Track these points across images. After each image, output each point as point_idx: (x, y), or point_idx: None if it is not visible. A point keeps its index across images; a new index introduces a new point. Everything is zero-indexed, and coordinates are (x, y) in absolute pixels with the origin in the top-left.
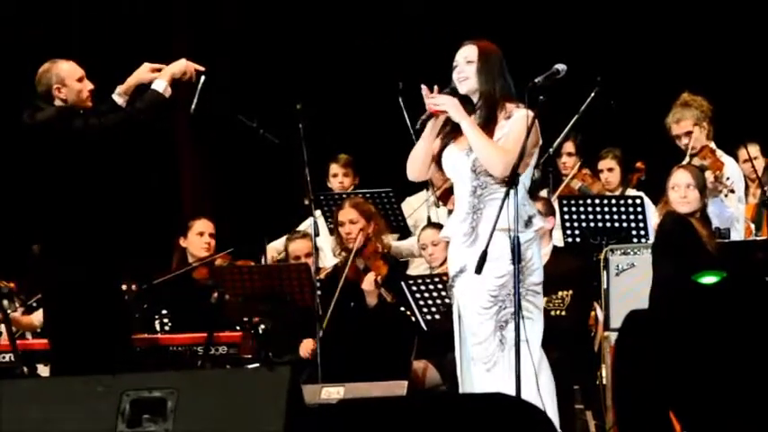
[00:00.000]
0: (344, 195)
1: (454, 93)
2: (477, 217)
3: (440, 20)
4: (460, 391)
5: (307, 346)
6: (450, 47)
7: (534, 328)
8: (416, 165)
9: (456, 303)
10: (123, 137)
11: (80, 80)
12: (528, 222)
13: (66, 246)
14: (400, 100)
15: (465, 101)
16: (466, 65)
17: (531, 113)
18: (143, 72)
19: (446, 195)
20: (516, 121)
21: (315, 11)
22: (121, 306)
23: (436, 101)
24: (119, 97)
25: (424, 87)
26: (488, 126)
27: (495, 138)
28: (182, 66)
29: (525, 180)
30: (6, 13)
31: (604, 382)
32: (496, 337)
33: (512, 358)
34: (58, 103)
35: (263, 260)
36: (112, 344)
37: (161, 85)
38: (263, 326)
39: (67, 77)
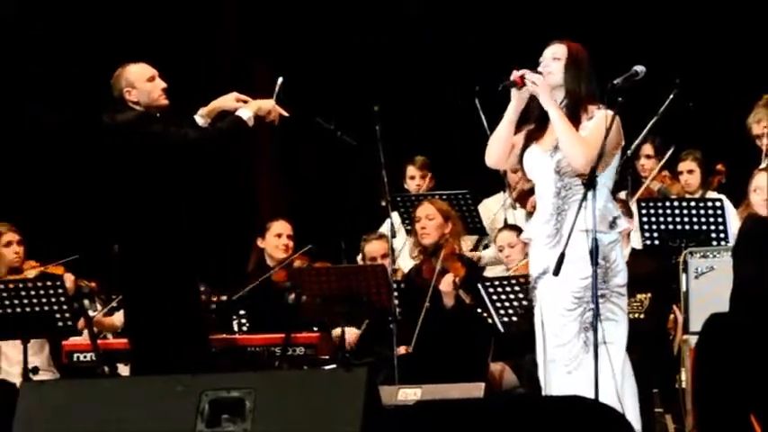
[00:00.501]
0: (421, 197)
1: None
2: (561, 218)
3: (440, 20)
4: (543, 393)
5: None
6: (451, 47)
7: (619, 331)
8: (496, 149)
9: (538, 305)
10: (201, 153)
11: (150, 80)
12: (612, 224)
13: (146, 246)
14: (477, 102)
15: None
16: (552, 61)
17: (610, 113)
18: (229, 100)
19: (523, 197)
20: (598, 119)
21: (392, 12)
22: (199, 307)
23: (532, 77)
24: (200, 119)
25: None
26: (575, 124)
27: None
28: (269, 105)
29: (608, 182)
30: (6, 13)
31: (684, 385)
32: (580, 338)
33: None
34: (131, 106)
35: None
36: (191, 344)
37: (246, 114)
38: (339, 326)
39: (136, 80)
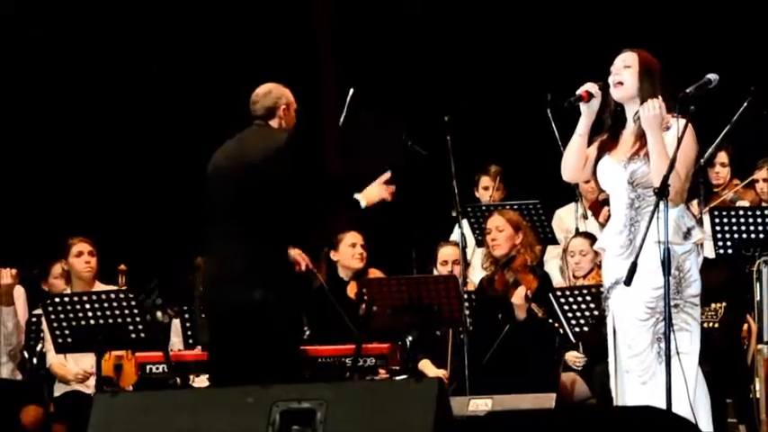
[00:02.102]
0: (492, 207)
1: (605, 89)
2: (634, 229)
3: (440, 20)
4: (615, 404)
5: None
6: (451, 47)
7: (692, 341)
8: (571, 163)
9: (611, 315)
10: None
11: (297, 110)
12: (687, 234)
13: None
14: (549, 111)
15: (615, 114)
16: (624, 69)
17: (682, 122)
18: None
19: (597, 208)
20: (684, 139)
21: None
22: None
23: (654, 103)
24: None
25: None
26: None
27: None
28: (376, 194)
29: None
30: (6, 13)
31: (758, 395)
32: (654, 349)
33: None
34: (274, 122)
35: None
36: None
37: (362, 202)
38: (410, 337)
39: (292, 104)
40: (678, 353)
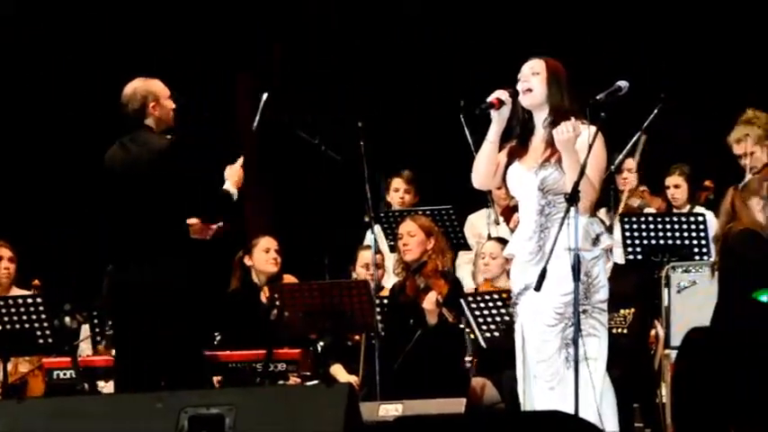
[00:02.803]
0: (404, 212)
1: (515, 96)
2: (543, 236)
3: (439, 20)
4: (522, 409)
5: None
6: (451, 47)
7: (600, 346)
8: (482, 170)
9: (519, 321)
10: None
11: (169, 98)
12: (595, 241)
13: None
14: (462, 117)
15: (523, 121)
16: (531, 76)
17: (593, 129)
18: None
19: (508, 213)
20: (595, 147)
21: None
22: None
23: (568, 126)
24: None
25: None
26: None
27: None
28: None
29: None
30: (6, 13)
31: (664, 400)
32: (562, 354)
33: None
34: (149, 121)
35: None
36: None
37: (232, 189)
38: (322, 343)
39: (161, 95)
40: (586, 358)
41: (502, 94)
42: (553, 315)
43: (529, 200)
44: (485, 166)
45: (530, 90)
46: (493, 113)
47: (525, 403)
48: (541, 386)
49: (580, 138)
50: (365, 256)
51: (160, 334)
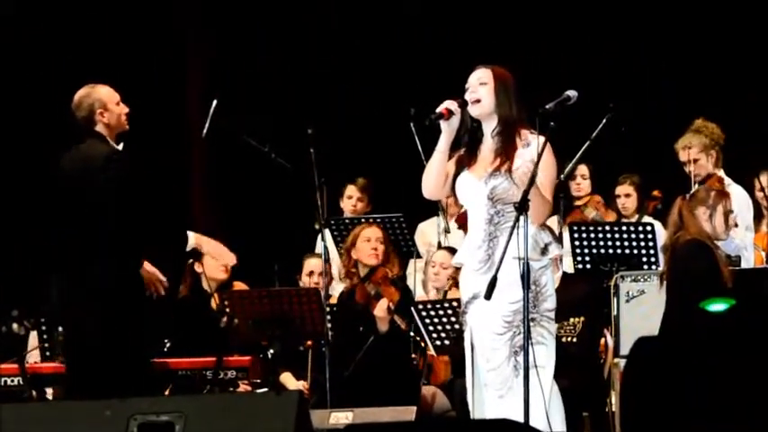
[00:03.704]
0: (356, 220)
1: (465, 106)
2: (493, 244)
3: (439, 20)
4: (472, 417)
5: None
6: (450, 47)
7: (548, 354)
8: (431, 180)
9: (468, 329)
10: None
11: (118, 104)
12: (544, 250)
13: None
14: (412, 126)
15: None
16: (479, 86)
17: (541, 139)
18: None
19: (463, 219)
20: (544, 157)
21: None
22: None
23: (452, 106)
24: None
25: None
26: (508, 152)
27: (514, 166)
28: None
29: None
30: (6, 13)
31: (614, 409)
32: (511, 362)
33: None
34: (99, 128)
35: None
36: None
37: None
38: (271, 350)
39: (109, 101)
40: (535, 366)
41: (451, 104)
42: (502, 323)
43: (478, 209)
44: (435, 177)
45: (478, 100)
46: (442, 124)
47: (475, 411)
48: (491, 394)
49: (528, 148)
50: (311, 264)
51: (108, 340)
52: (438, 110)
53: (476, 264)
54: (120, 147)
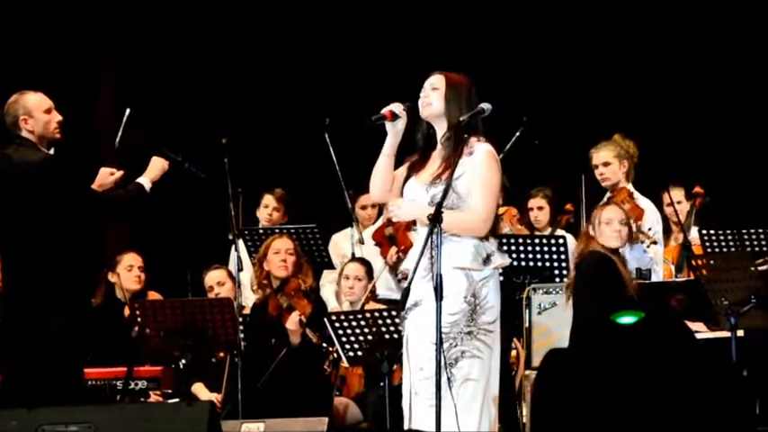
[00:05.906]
0: (269, 231)
1: (413, 111)
2: (435, 253)
3: (437, 21)
4: (405, 425)
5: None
6: (366, 56)
7: (483, 368)
8: (378, 182)
9: (406, 336)
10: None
11: (48, 111)
12: (486, 260)
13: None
14: (326, 136)
15: (427, 136)
16: (431, 91)
17: (490, 148)
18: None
19: (386, 243)
20: (483, 167)
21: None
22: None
23: (397, 211)
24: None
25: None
26: (451, 160)
27: (457, 174)
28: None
29: None
30: (6, 14)
31: (524, 420)
32: (444, 373)
33: (456, 395)
34: (24, 134)
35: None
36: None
37: (146, 183)
38: (183, 360)
39: (34, 108)
40: (468, 379)
41: (396, 107)
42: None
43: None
44: (380, 180)
45: (429, 104)
46: (387, 126)
47: (408, 419)
48: (422, 403)
49: (471, 156)
50: (211, 278)
51: (42, 348)
52: (382, 111)
53: (420, 271)
54: (52, 152)
